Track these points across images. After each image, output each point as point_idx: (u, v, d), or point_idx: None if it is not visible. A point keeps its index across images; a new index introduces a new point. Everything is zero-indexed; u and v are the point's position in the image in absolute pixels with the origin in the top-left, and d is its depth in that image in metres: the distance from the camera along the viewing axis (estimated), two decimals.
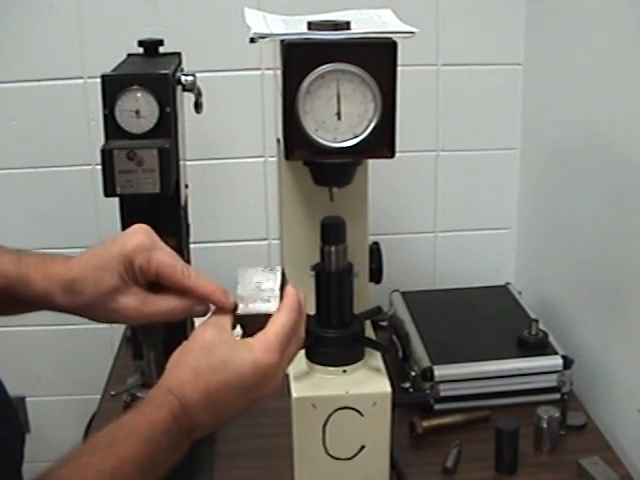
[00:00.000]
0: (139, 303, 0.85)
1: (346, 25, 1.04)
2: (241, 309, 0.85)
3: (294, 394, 1.08)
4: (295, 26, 1.07)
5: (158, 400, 0.78)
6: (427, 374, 1.33)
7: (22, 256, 0.91)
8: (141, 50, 1.21)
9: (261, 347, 0.79)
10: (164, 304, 0.86)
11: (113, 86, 1.07)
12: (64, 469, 0.72)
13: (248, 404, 0.81)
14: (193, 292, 0.85)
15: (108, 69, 1.11)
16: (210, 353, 0.79)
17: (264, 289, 0.87)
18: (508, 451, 1.20)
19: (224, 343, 0.80)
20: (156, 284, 0.86)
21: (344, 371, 1.10)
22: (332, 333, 1.10)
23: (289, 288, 0.86)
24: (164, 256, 0.86)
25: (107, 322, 0.88)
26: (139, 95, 1.07)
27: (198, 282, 0.85)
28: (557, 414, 1.24)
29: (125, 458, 0.73)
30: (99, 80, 1.07)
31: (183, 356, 0.81)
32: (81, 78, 1.58)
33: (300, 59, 1.01)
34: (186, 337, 1.15)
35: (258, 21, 1.11)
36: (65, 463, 0.73)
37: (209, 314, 0.85)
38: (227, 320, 0.83)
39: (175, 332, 1.22)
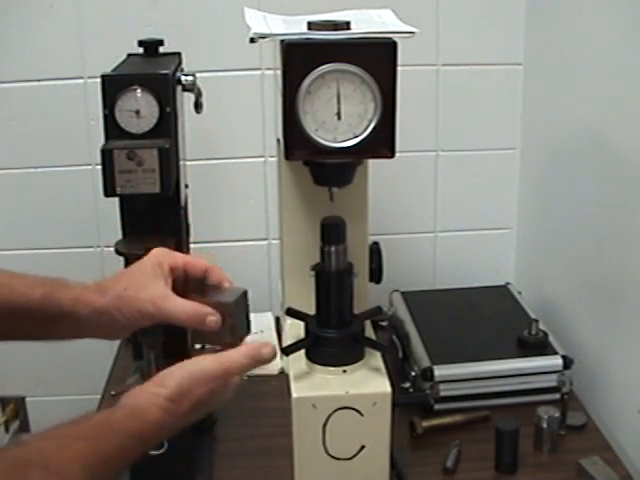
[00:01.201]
0: (158, 299, 0.90)
1: (346, 25, 1.04)
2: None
3: (294, 394, 1.08)
4: (295, 26, 1.07)
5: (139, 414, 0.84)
6: (427, 374, 1.33)
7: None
8: (141, 50, 1.21)
9: (216, 359, 0.88)
10: (181, 303, 0.90)
11: (113, 86, 1.07)
12: (48, 445, 0.76)
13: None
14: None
15: (108, 69, 1.11)
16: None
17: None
18: (508, 451, 1.20)
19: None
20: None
21: (344, 371, 1.10)
22: (332, 333, 1.10)
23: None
24: (190, 257, 0.96)
25: (127, 323, 0.92)
26: (139, 95, 1.07)
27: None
28: (557, 414, 1.24)
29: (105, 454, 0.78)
30: (99, 80, 1.07)
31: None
32: (81, 78, 1.58)
33: (300, 59, 1.01)
34: (185, 337, 1.16)
35: (258, 21, 1.11)
36: (50, 440, 0.77)
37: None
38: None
39: (175, 333, 1.22)
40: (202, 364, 0.87)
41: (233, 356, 0.88)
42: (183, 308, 0.89)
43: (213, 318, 0.89)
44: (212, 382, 0.86)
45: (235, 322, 0.91)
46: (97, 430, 0.79)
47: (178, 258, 0.94)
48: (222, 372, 0.87)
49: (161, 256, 0.93)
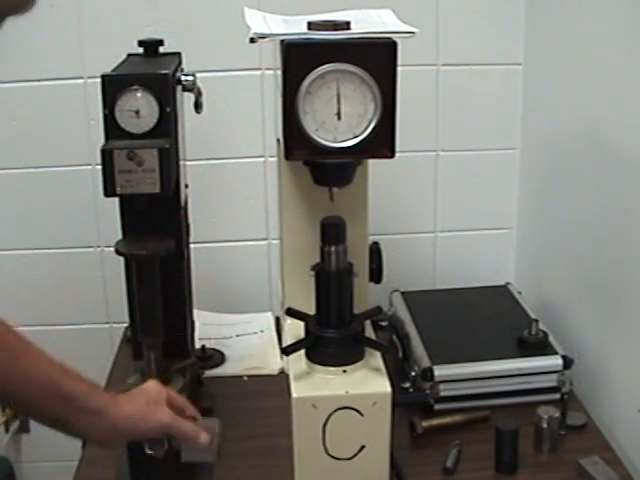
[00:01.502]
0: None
1: (346, 25, 1.04)
2: None
3: (294, 394, 1.07)
4: (295, 26, 1.07)
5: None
6: (427, 374, 1.33)
7: None
8: (141, 50, 1.22)
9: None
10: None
11: (113, 86, 1.07)
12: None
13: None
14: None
15: (108, 69, 1.11)
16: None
17: None
18: (508, 451, 1.20)
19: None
20: None
21: (344, 371, 1.10)
22: (332, 333, 1.10)
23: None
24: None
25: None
26: (139, 95, 1.07)
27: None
28: (557, 414, 1.24)
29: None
30: (99, 80, 1.07)
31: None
32: (81, 78, 1.58)
33: (300, 59, 1.00)
34: (185, 337, 1.15)
35: (258, 21, 1.11)
36: None
37: None
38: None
39: (175, 333, 1.22)
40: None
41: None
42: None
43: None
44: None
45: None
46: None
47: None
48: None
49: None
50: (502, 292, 1.61)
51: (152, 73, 1.10)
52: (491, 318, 1.50)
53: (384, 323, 1.54)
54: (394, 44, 1.01)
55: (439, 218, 1.74)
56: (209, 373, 1.44)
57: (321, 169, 1.11)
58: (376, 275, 1.26)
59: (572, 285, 1.50)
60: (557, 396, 1.34)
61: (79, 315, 1.73)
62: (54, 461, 1.77)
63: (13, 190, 1.66)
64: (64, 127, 1.61)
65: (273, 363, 1.49)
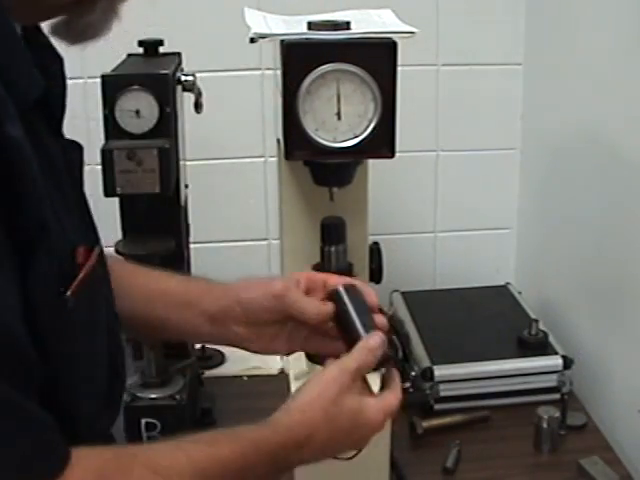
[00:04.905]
0: (288, 285, 0.90)
1: (346, 25, 1.04)
2: None
3: None
4: (295, 26, 1.07)
5: (281, 430, 0.79)
6: (427, 374, 1.33)
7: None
8: (141, 50, 1.21)
9: (380, 412, 0.84)
10: (307, 298, 0.90)
11: (113, 86, 1.07)
12: (160, 446, 0.74)
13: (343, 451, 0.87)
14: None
15: (108, 69, 1.11)
16: (343, 405, 0.82)
17: None
18: None
19: (355, 399, 0.83)
20: None
21: None
22: None
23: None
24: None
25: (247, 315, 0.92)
26: (139, 95, 1.07)
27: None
28: (557, 414, 1.24)
29: (218, 458, 0.74)
30: (99, 80, 1.07)
31: (318, 396, 0.82)
32: (81, 78, 1.58)
33: (300, 59, 1.01)
34: None
35: (258, 21, 1.11)
36: (164, 443, 0.74)
37: None
38: (358, 366, 0.84)
39: None
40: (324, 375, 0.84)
41: (354, 357, 0.84)
42: (310, 300, 0.89)
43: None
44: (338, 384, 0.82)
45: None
46: (212, 434, 0.77)
47: (318, 273, 0.95)
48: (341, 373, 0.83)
49: (298, 273, 0.94)
50: (502, 292, 1.60)
51: (152, 73, 1.10)
52: (491, 318, 1.50)
53: None
54: (394, 44, 1.01)
55: (439, 218, 1.74)
56: (209, 373, 1.44)
57: (321, 169, 1.11)
58: (376, 275, 1.26)
59: (572, 285, 1.50)
60: (557, 396, 1.34)
61: None
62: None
63: None
64: (64, 127, 1.60)
65: (273, 363, 1.49)
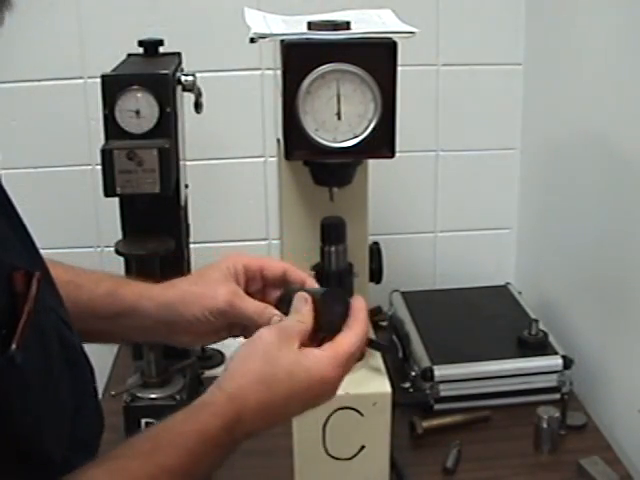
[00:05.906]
0: (232, 295, 0.87)
1: (346, 25, 1.04)
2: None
3: None
4: (295, 26, 1.07)
5: (216, 407, 0.75)
6: (427, 374, 1.33)
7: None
8: (141, 50, 1.22)
9: (330, 362, 0.78)
10: (251, 303, 0.87)
11: (113, 86, 1.07)
12: (98, 471, 0.68)
13: (302, 412, 0.81)
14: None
15: (108, 69, 1.11)
16: (276, 362, 0.77)
17: None
18: None
19: (291, 352, 0.78)
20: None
21: None
22: None
23: (360, 301, 0.84)
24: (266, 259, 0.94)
25: (193, 321, 0.89)
26: (139, 95, 1.07)
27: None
28: (557, 414, 1.24)
29: (165, 467, 0.70)
30: (99, 80, 1.07)
31: (247, 360, 0.79)
32: (81, 78, 1.58)
33: (300, 59, 1.01)
34: None
35: (258, 21, 1.11)
36: (101, 464, 0.69)
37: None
38: (294, 326, 0.80)
39: None
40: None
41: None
42: (255, 307, 0.86)
43: (277, 318, 0.84)
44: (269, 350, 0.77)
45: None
46: (153, 441, 0.73)
47: (253, 260, 0.92)
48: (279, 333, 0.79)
49: (235, 257, 0.91)
50: (502, 292, 1.60)
51: (152, 73, 1.10)
52: (491, 318, 1.50)
53: (384, 323, 1.54)
54: (394, 44, 1.01)
55: (439, 218, 1.74)
56: (209, 373, 1.43)
57: (321, 169, 1.11)
58: (376, 275, 1.26)
59: (572, 285, 1.50)
60: (557, 396, 1.34)
61: None
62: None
63: (13, 190, 1.65)
64: (64, 127, 1.61)
65: None
